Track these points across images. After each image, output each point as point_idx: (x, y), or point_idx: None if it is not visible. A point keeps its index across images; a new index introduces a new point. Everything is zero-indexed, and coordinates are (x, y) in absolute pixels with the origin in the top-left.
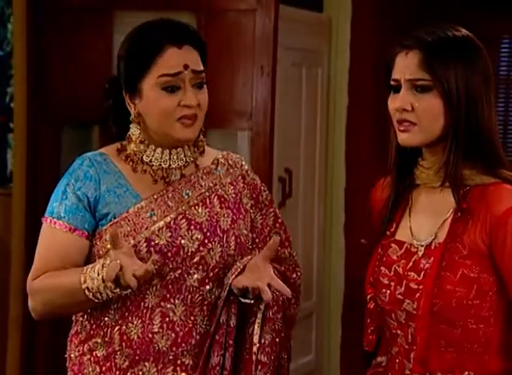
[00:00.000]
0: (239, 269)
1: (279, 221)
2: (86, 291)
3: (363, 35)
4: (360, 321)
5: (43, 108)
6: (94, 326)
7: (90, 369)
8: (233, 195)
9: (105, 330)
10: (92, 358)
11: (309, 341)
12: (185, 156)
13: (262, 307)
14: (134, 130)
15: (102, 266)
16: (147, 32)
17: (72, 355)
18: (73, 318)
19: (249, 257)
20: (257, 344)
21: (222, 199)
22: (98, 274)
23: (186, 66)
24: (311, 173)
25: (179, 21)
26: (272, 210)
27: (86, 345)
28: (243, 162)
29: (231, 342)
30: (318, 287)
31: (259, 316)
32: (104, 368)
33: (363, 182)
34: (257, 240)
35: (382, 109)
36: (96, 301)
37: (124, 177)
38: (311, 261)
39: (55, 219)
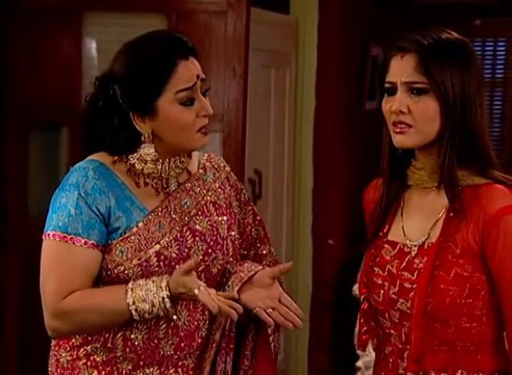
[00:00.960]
0: (243, 281)
1: (258, 218)
2: (133, 312)
3: (330, 37)
4: (328, 322)
5: (10, 109)
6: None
7: (87, 374)
8: (224, 200)
9: (107, 335)
10: (89, 363)
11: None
12: (180, 163)
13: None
14: (149, 150)
15: (157, 289)
16: (154, 49)
17: (62, 360)
18: None
19: (252, 267)
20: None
21: (217, 206)
22: (155, 297)
23: (197, 77)
24: (279, 174)
25: (173, 32)
26: (250, 208)
27: (82, 350)
28: (225, 163)
29: (232, 346)
30: (285, 288)
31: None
32: (104, 372)
33: (330, 183)
34: (240, 239)
35: (348, 111)
36: (138, 319)
37: (129, 190)
38: (279, 262)
39: (72, 236)
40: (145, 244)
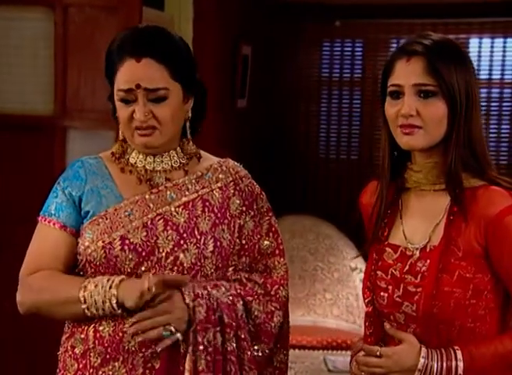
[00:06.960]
0: None
1: (273, 230)
2: (85, 310)
3: (204, 34)
4: None
5: None
6: (75, 323)
7: (70, 365)
8: (220, 200)
9: (83, 327)
10: (73, 355)
11: None
12: (170, 160)
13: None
14: (120, 129)
15: (110, 287)
16: (115, 41)
17: (59, 353)
18: None
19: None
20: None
21: (207, 203)
22: (103, 296)
23: (137, 86)
24: None
25: (155, 31)
26: (266, 218)
27: (69, 342)
28: (239, 169)
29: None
30: None
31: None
32: (80, 365)
33: None
34: (246, 246)
35: (223, 109)
36: (90, 315)
37: (111, 179)
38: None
39: (46, 216)
40: (111, 228)
